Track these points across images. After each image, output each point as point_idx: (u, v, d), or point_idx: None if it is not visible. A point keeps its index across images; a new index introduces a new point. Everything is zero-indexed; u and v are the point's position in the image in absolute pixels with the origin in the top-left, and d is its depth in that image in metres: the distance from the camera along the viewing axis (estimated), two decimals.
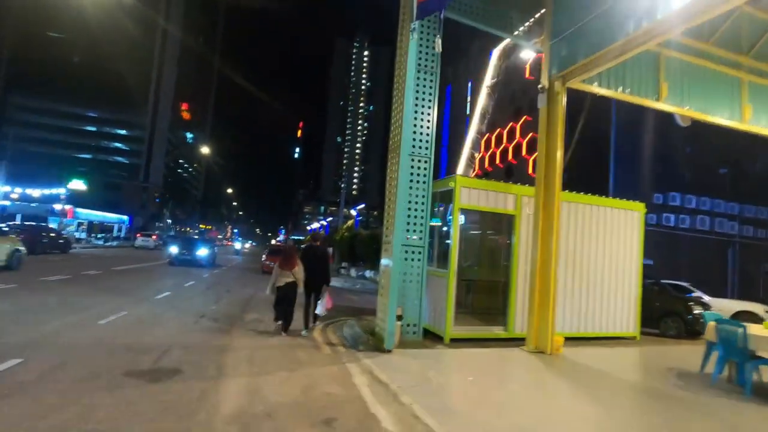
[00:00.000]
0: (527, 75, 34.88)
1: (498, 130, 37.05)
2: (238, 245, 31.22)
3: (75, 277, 12.35)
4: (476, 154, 42.92)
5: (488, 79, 41.99)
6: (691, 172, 27.08)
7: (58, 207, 36.59)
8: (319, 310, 7.42)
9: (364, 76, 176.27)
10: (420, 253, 7.42)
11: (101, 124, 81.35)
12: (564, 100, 7.47)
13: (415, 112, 7.54)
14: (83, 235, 46.34)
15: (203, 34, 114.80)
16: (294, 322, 7.50)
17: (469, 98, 45.51)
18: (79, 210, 47.37)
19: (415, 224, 7.37)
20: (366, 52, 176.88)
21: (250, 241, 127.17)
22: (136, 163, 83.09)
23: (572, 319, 8.49)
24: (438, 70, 7.79)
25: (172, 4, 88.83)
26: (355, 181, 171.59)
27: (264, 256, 22.14)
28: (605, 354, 7.64)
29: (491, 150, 38.04)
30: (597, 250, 8.88)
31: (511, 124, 35.53)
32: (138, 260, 22.06)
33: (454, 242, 7.51)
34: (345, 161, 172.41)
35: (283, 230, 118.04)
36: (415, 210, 7.36)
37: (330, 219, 49.54)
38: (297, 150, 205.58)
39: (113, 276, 13.72)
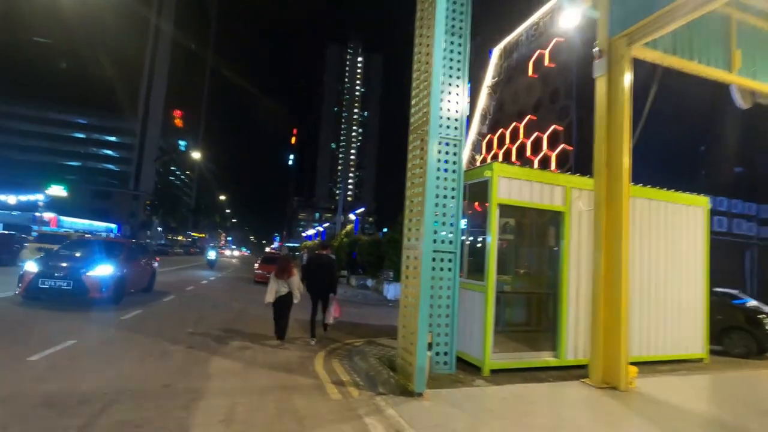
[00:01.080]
0: (530, 73, 33.68)
1: (500, 130, 35.76)
2: (212, 254, 25.23)
3: None
4: (477, 156, 41.48)
5: (489, 79, 40.73)
6: (706, 171, 25.85)
7: (40, 215, 34.65)
8: (329, 319, 7.57)
9: (358, 81, 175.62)
10: (451, 260, 5.83)
11: (90, 131, 79.30)
12: (630, 64, 5.94)
13: (442, 83, 6.00)
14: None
15: (195, 41, 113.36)
16: (290, 329, 6.14)
17: (468, 99, 44.20)
18: (64, 218, 45.39)
19: (444, 224, 5.78)
20: (360, 58, 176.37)
21: (243, 248, 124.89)
22: (126, 170, 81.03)
23: (630, 339, 6.90)
24: (468, 32, 6.27)
25: (162, 11, 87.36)
26: (350, 187, 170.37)
27: (257, 264, 20.43)
28: (686, 386, 6.06)
29: (493, 151, 36.67)
30: (656, 254, 7.34)
31: (514, 124, 34.21)
32: None
33: (491, 247, 5.93)
34: (339, 167, 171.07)
35: (278, 237, 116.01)
36: (444, 206, 5.78)
37: (326, 225, 47.89)
38: (291, 156, 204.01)
39: None
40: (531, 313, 7.57)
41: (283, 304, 7.02)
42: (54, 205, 44.80)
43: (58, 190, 32.95)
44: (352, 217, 23.97)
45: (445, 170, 5.78)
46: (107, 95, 75.59)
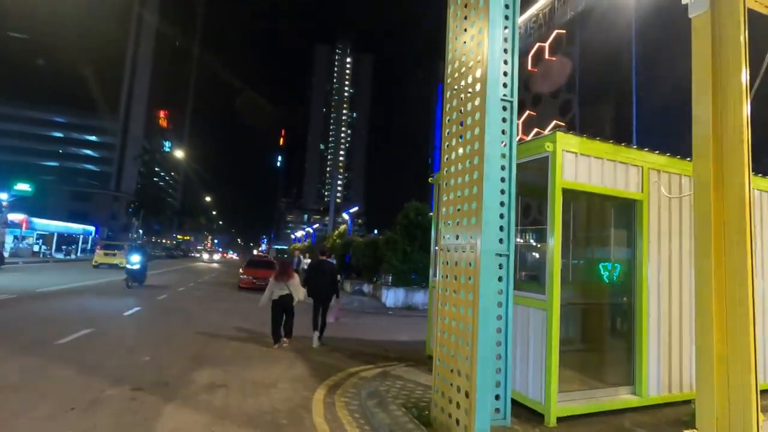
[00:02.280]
0: (530, 67, 32.41)
1: None
2: (135, 259, 14.78)
3: None
4: None
5: None
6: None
7: (3, 216, 32.15)
8: (331, 320, 7.84)
9: (346, 83, 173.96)
10: (502, 266, 4.18)
11: (68, 130, 76.19)
12: None
13: (505, 28, 4.36)
14: (44, 248, 41.71)
15: (179, 39, 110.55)
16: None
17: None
18: (37, 220, 42.75)
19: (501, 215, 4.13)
20: (348, 59, 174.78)
21: (231, 251, 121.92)
22: (106, 170, 78.03)
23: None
24: None
25: (145, 7, 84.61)
26: (338, 188, 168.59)
27: (241, 269, 18.57)
28: None
29: None
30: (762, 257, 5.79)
31: None
32: (86, 277, 18.28)
33: (555, 250, 4.30)
34: (328, 169, 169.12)
35: (265, 240, 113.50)
36: (502, 192, 4.13)
37: (316, 226, 46.07)
38: (279, 158, 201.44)
39: (23, 303, 10.10)
40: (585, 328, 5.98)
41: (282, 306, 7.14)
42: (26, 206, 42.15)
43: (25, 189, 30.52)
44: (345, 216, 22.31)
45: (502, 142, 4.12)
46: (87, 93, 72.68)
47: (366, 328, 10.48)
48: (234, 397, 4.58)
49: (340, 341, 8.35)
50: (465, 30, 4.28)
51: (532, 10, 31.98)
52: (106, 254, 25.51)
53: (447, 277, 3.88)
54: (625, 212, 5.36)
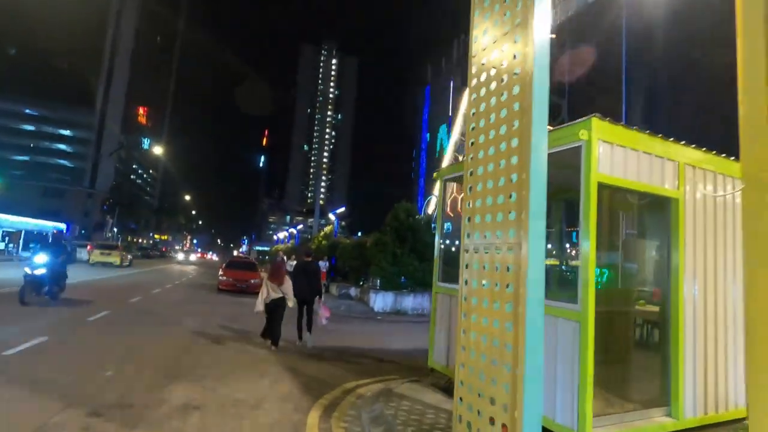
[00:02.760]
0: None
1: None
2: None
3: None
4: (461, 158, 39.92)
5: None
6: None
7: None
8: (324, 321, 7.85)
9: (331, 84, 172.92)
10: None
11: (40, 123, 73.17)
12: None
13: None
14: (10, 246, 39.56)
15: (161, 34, 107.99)
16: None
17: (451, 98, 42.61)
18: (4, 216, 40.55)
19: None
20: (334, 60, 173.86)
21: (211, 252, 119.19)
22: (81, 167, 75.20)
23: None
24: None
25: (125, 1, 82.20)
26: (322, 190, 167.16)
27: (221, 270, 17.64)
28: None
29: None
30: None
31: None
32: None
33: (590, 253, 3.74)
34: (312, 170, 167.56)
35: (246, 241, 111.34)
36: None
37: (300, 227, 45.05)
38: (262, 158, 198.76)
39: None
40: (606, 338, 5.45)
41: (276, 308, 7.16)
42: None
43: None
44: (331, 217, 21.56)
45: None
46: (61, 85, 69.96)
47: (355, 335, 9.81)
48: (212, 422, 3.87)
49: (330, 350, 7.66)
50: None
51: None
52: (101, 253, 27.32)
53: (474, 283, 3.26)
54: (655, 212, 4.87)
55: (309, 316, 7.74)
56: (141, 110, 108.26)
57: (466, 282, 3.42)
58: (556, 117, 27.52)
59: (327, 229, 20.83)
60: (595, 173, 3.85)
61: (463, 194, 3.60)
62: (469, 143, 3.67)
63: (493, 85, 3.47)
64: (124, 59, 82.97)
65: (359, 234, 22.70)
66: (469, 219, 3.48)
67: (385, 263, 15.15)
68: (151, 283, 17.73)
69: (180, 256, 52.38)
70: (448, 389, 5.32)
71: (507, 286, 2.85)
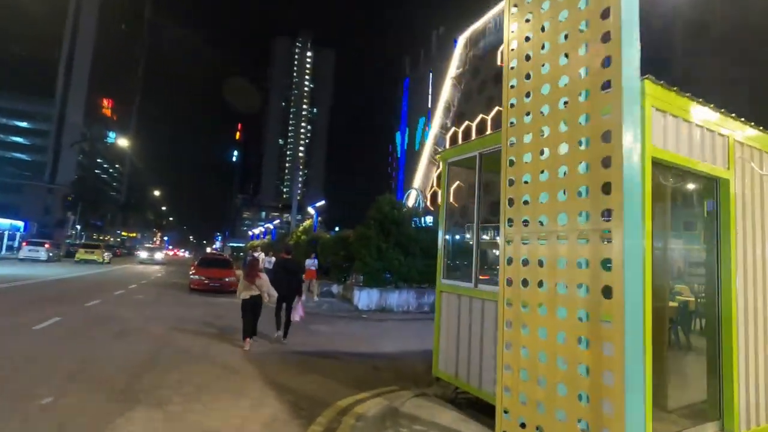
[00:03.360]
0: (500, 62, 31.78)
1: (466, 123, 33.74)
2: None
3: None
4: (440, 150, 39.42)
5: (453, 70, 38.68)
6: None
7: None
8: (296, 318, 7.93)
9: (307, 77, 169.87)
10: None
11: None
12: None
13: None
14: None
15: (126, 22, 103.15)
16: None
17: (430, 90, 41.99)
18: None
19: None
20: (309, 53, 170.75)
21: (183, 250, 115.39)
22: (40, 160, 70.95)
23: None
24: None
25: None
26: (299, 184, 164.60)
27: (193, 269, 16.46)
28: None
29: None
30: None
31: (481, 116, 32.32)
32: None
33: (646, 243, 3.06)
34: (287, 164, 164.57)
35: (220, 237, 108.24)
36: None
37: (276, 222, 43.61)
38: (235, 152, 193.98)
39: None
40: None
41: (253, 306, 7.16)
42: None
43: None
44: (310, 211, 20.57)
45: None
46: (18, 74, 65.67)
47: (342, 337, 9.02)
48: None
49: (317, 354, 6.87)
50: None
51: (503, 4, 31.15)
52: (86, 252, 29.93)
53: (524, 283, 2.52)
54: (691, 196, 4.28)
55: (288, 313, 7.81)
56: (106, 102, 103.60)
57: (509, 282, 2.68)
58: None
59: (306, 223, 19.84)
60: (650, 147, 3.18)
61: (502, 171, 2.85)
62: (508, 105, 2.93)
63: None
64: (86, 47, 78.69)
65: (336, 229, 21.81)
66: (511, 202, 2.74)
67: (369, 258, 14.38)
68: (115, 284, 16.39)
69: (142, 255, 37.47)
70: (457, 402, 4.62)
71: (578, 287, 2.14)
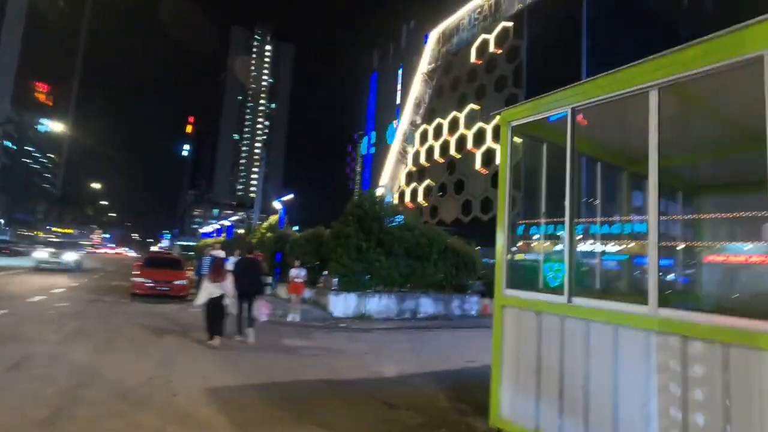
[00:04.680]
0: (473, 59, 30.80)
1: (437, 120, 32.68)
2: None
3: None
4: (409, 148, 38.07)
5: (424, 65, 37.56)
6: None
7: None
8: (263, 318, 8.19)
9: (265, 71, 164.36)
10: None
11: None
12: None
13: None
14: None
15: (66, 3, 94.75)
16: None
17: (399, 86, 40.67)
18: None
19: None
20: (268, 47, 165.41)
21: (126, 248, 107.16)
22: None
23: None
24: None
25: None
26: (253, 182, 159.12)
27: (137, 270, 13.92)
28: None
29: (428, 143, 33.51)
30: None
31: (453, 113, 31.36)
32: None
33: None
34: (243, 161, 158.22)
35: (167, 235, 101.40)
36: None
37: (234, 218, 40.57)
38: (186, 147, 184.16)
39: None
40: None
41: (216, 307, 7.13)
42: None
43: None
44: (276, 205, 18.46)
45: None
46: None
47: (327, 356, 7.26)
48: None
49: (306, 387, 5.11)
50: None
51: (478, 1, 30.62)
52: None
53: None
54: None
55: (250, 312, 7.72)
56: (40, 87, 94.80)
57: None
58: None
59: (272, 218, 17.74)
60: None
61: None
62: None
63: None
64: (16, 23, 70.96)
65: (296, 227, 19.86)
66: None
67: (348, 259, 12.64)
68: (30, 289, 13.56)
69: (41, 255, 21.72)
70: None
71: None
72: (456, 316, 15.06)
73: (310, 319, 11.42)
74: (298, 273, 11.33)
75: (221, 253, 11.24)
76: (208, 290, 7.09)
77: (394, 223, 13.90)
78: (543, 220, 4.11)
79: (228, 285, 7.19)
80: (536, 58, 25.12)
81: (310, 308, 13.22)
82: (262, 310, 7.89)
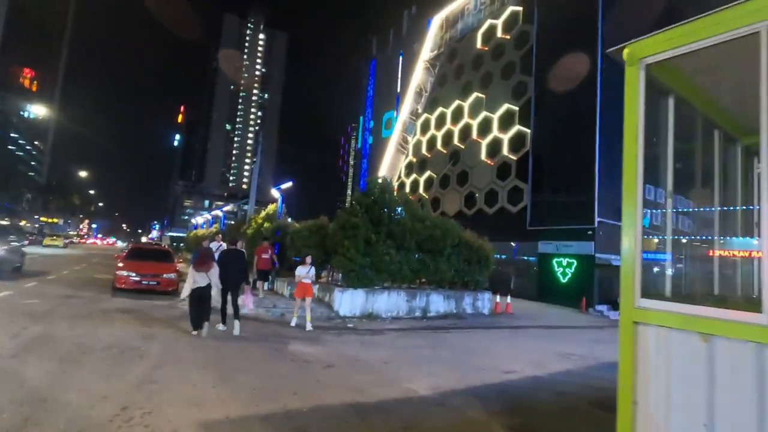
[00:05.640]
0: (479, 45, 29.41)
1: (440, 109, 31.39)
2: None
3: None
4: (409, 138, 36.77)
5: (427, 52, 36.09)
6: None
7: None
8: (245, 310, 8.62)
9: (258, 60, 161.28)
10: None
11: None
12: None
13: None
14: None
15: None
16: None
17: (400, 74, 39.20)
18: None
19: None
20: (261, 35, 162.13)
21: (114, 238, 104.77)
22: None
23: None
24: None
25: None
26: (245, 173, 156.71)
27: (120, 263, 12.60)
28: None
29: (430, 133, 32.23)
30: None
31: (457, 102, 30.07)
32: None
33: None
34: (235, 152, 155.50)
35: (157, 225, 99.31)
36: None
37: (227, 208, 39.04)
38: (176, 136, 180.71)
39: None
40: None
41: (202, 296, 7.07)
42: None
43: None
44: (274, 194, 17.12)
45: None
46: None
47: (344, 368, 6.08)
48: None
49: (330, 417, 3.94)
50: None
51: None
52: (51, 239, 38.76)
53: None
54: None
55: (235, 303, 7.66)
56: (25, 72, 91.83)
57: None
58: (520, 96, 25.34)
59: (270, 208, 16.37)
60: None
61: None
62: None
63: None
64: None
65: (289, 221, 18.60)
66: None
67: (355, 252, 11.44)
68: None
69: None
70: None
71: None
72: (468, 315, 14.01)
73: (315, 319, 10.22)
74: (307, 272, 9.10)
75: (222, 246, 10.31)
76: (192, 279, 7.04)
77: (402, 214, 12.69)
78: (669, 204, 2.94)
79: (214, 274, 7.14)
80: (547, 44, 23.88)
81: (313, 306, 12.01)
82: (246, 300, 7.79)
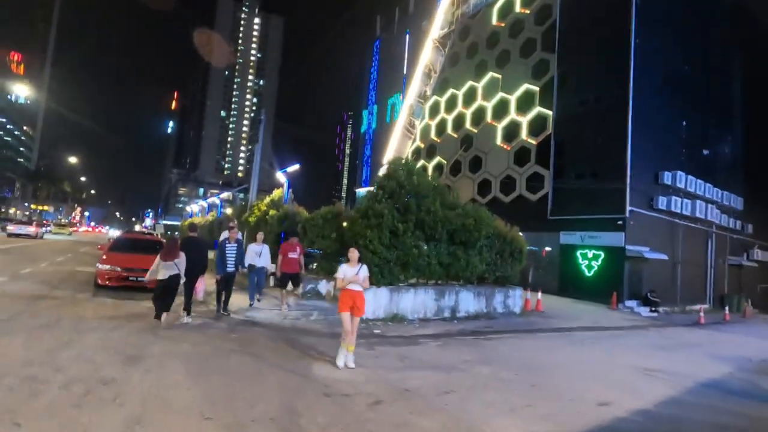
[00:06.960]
0: (495, 21, 27.38)
1: (450, 91, 29.51)
2: None
3: None
4: (417, 122, 34.88)
5: (436, 30, 33.92)
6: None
7: None
8: (201, 296, 8.47)
9: (253, 45, 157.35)
10: None
11: None
12: None
13: None
14: None
15: None
16: None
17: (406, 55, 37.09)
18: None
19: None
20: (257, 20, 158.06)
21: (108, 227, 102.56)
22: None
23: None
24: None
25: None
26: (241, 161, 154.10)
27: (104, 255, 10.85)
28: None
29: (440, 116, 30.37)
30: None
31: (469, 83, 28.17)
32: None
33: None
34: (230, 139, 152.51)
35: (150, 213, 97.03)
36: None
37: (224, 194, 37.17)
38: (170, 123, 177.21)
39: None
40: None
41: (172, 285, 7.01)
42: None
43: None
44: (280, 178, 15.35)
45: None
46: None
47: (393, 404, 4.43)
48: None
49: None
50: None
51: None
52: (59, 227, 39.97)
53: None
54: None
55: (189, 292, 7.51)
56: (12, 56, 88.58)
57: None
58: (541, 75, 23.48)
59: (276, 193, 14.59)
60: None
61: None
62: None
63: None
64: None
65: (295, 207, 16.94)
66: None
67: (379, 245, 9.77)
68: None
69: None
70: None
71: None
72: (499, 314, 12.46)
73: (335, 324, 8.56)
74: (356, 272, 5.95)
75: (239, 235, 8.93)
76: (156, 268, 6.98)
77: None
78: None
79: (182, 263, 7.09)
80: (572, 18, 22.03)
81: (330, 306, 10.35)
82: (198, 287, 7.81)
